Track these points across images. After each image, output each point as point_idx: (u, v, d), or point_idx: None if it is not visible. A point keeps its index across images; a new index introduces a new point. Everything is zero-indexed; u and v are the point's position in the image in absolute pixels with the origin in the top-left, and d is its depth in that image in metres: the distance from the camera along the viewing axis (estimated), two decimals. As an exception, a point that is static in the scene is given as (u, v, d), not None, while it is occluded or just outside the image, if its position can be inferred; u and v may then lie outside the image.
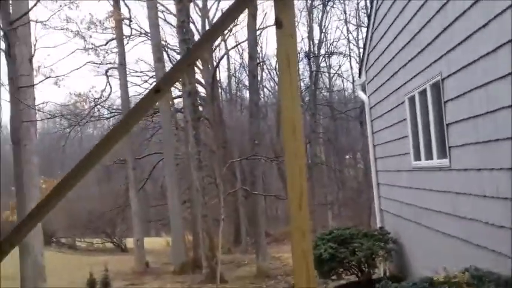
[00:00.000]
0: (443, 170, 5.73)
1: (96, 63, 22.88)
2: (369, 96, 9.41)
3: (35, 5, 9.46)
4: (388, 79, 7.92)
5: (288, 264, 16.28)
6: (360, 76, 10.14)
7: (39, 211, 1.90)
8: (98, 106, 25.54)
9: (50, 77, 8.74)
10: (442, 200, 5.87)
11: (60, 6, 11.42)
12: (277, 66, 33.70)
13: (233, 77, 33.06)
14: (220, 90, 30.75)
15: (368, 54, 9.30)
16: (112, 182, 30.40)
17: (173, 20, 24.30)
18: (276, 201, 29.69)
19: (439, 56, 5.56)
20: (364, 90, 9.70)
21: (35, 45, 11.65)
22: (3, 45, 8.54)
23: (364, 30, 24.44)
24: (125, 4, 23.23)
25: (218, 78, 29.49)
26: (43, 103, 9.50)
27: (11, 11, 9.81)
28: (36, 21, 11.74)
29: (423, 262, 6.74)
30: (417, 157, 6.80)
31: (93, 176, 33.58)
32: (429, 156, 6.27)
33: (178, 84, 29.04)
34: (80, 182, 1.95)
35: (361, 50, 15.63)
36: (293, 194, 1.79)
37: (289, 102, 1.83)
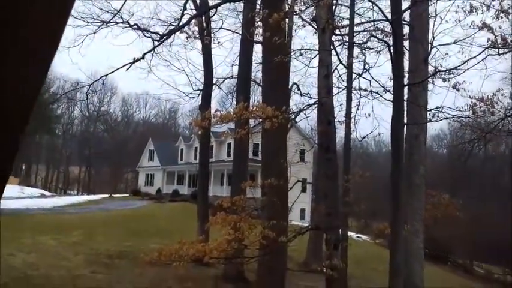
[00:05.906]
0: None
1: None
2: None
3: None
4: None
5: None
6: None
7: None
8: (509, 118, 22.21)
9: (438, 71, 7.29)
10: None
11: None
12: None
13: None
14: None
15: None
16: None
17: None
18: None
19: None
20: None
21: (431, 43, 10.52)
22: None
23: None
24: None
25: None
26: (436, 108, 8.00)
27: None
28: (436, 16, 10.57)
29: None
30: None
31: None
32: None
33: None
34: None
35: None
36: None
37: None
